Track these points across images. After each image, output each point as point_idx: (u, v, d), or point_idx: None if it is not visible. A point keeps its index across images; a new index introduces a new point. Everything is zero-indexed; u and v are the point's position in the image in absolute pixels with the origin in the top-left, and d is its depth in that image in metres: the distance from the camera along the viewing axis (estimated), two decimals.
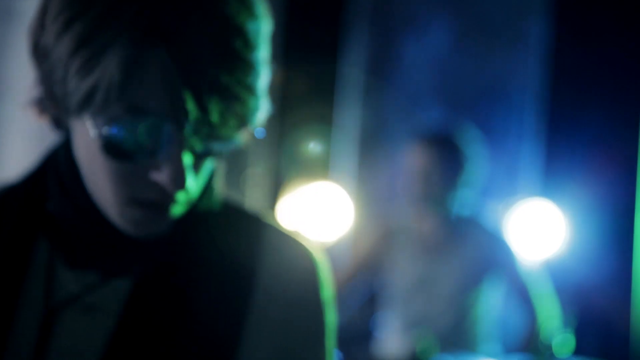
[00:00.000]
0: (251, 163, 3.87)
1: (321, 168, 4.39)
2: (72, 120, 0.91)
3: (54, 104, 0.90)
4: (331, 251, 3.76)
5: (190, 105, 0.83)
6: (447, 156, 2.95)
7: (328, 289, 1.00)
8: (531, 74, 4.07)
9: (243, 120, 0.88)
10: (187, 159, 0.87)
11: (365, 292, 3.21)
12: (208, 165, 0.93)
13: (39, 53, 0.89)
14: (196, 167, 0.90)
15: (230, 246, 0.97)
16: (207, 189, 0.97)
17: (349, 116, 4.22)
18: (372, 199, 4.17)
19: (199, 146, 0.87)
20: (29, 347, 0.92)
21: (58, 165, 0.96)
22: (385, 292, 3.14)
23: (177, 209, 0.91)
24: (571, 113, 4.57)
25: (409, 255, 3.05)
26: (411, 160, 3.00)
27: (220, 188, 1.01)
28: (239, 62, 0.85)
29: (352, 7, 4.22)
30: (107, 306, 0.94)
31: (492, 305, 3.05)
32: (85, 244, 0.94)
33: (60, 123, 0.95)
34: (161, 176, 0.86)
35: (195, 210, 0.96)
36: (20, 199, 0.98)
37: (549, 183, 4.16)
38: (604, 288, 4.47)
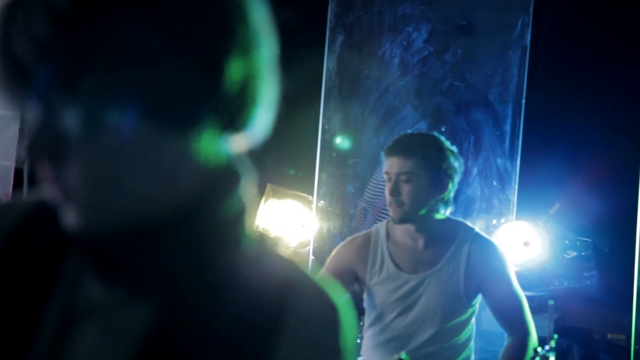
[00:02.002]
0: None
1: (301, 175, 4.33)
2: None
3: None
4: (304, 259, 3.69)
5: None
6: (425, 160, 2.86)
7: (351, 339, 0.99)
8: (514, 80, 4.02)
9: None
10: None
11: None
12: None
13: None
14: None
15: (255, 285, 0.95)
16: (219, 193, 0.95)
17: (328, 120, 4.15)
18: (344, 209, 4.10)
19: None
20: (44, 357, 0.92)
21: None
22: (362, 306, 3.05)
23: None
24: (550, 123, 4.54)
25: (387, 270, 2.95)
26: (388, 164, 2.91)
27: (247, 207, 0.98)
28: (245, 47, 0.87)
29: (331, 8, 4.16)
30: (128, 326, 0.93)
31: (473, 320, 2.96)
32: (112, 260, 0.93)
33: None
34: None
35: (226, 232, 0.95)
36: (52, 213, 0.96)
37: (527, 196, 4.11)
38: (585, 303, 4.44)
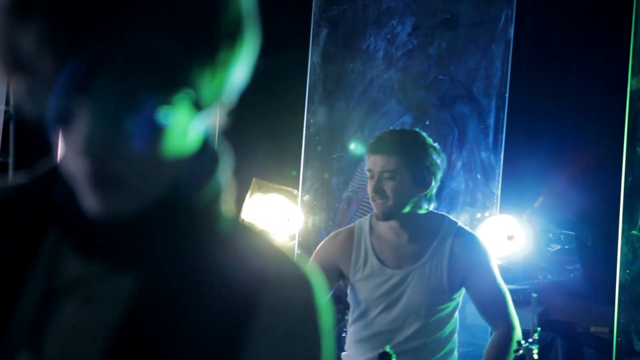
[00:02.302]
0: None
1: (285, 169, 4.33)
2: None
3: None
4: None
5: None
6: (408, 157, 2.86)
7: (327, 320, 1.01)
8: (498, 75, 4.03)
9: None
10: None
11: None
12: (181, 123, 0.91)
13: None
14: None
15: (236, 259, 0.98)
16: (200, 174, 0.98)
17: (312, 114, 4.14)
18: (329, 203, 4.10)
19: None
20: (25, 330, 0.94)
21: (65, 157, 0.97)
22: (347, 301, 3.05)
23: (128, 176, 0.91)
24: (533, 117, 4.56)
25: (371, 266, 2.95)
26: (371, 161, 2.90)
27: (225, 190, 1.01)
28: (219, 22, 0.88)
29: (316, 2, 4.15)
30: (109, 298, 0.94)
31: (457, 315, 2.97)
32: (91, 234, 0.96)
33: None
34: (75, 139, 0.89)
35: (204, 207, 0.97)
36: (34, 189, 1.00)
37: (509, 192, 4.12)
38: (569, 296, 4.46)
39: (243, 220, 1.03)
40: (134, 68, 0.85)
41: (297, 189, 4.16)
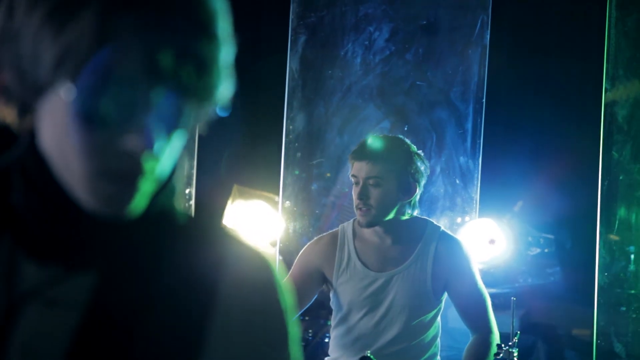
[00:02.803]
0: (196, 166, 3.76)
1: (266, 176, 4.32)
2: (40, 100, 0.91)
3: (21, 85, 0.91)
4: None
5: (164, 68, 0.85)
6: (393, 164, 2.86)
7: (288, 297, 1.02)
8: (475, 79, 4.05)
9: (210, 89, 0.91)
10: (158, 126, 0.88)
11: (305, 304, 3.08)
12: (176, 144, 0.94)
13: (5, 37, 0.90)
14: (167, 135, 0.91)
15: (192, 249, 0.99)
16: (172, 177, 0.99)
17: (291, 121, 4.14)
18: (309, 209, 4.10)
19: (173, 110, 0.89)
20: None
21: (23, 160, 0.97)
22: (330, 306, 3.04)
23: (147, 184, 0.91)
24: (510, 120, 4.58)
25: (354, 270, 2.95)
26: (355, 168, 2.90)
27: (181, 185, 1.05)
28: (205, 32, 0.89)
29: (294, 8, 4.15)
30: (69, 301, 0.94)
31: (439, 319, 2.98)
32: (48, 236, 0.94)
33: (26, 110, 0.94)
34: (130, 142, 0.87)
35: (160, 206, 0.98)
36: None
37: (488, 197, 4.14)
38: (549, 300, 4.48)
39: (198, 212, 1.05)
40: (199, 80, 0.88)
41: (278, 195, 4.16)
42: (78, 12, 0.84)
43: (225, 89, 0.94)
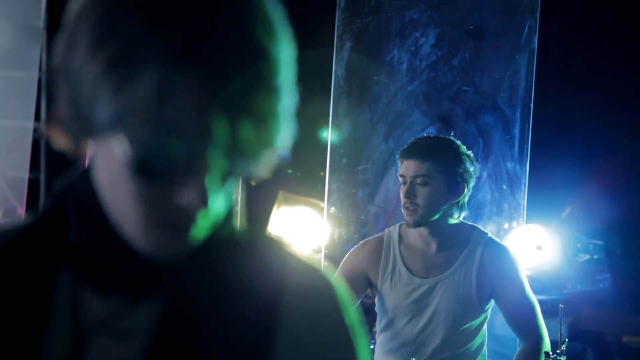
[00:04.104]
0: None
1: (311, 182, 4.34)
2: (95, 143, 0.92)
3: (78, 125, 0.90)
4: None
5: (220, 127, 0.85)
6: (442, 163, 2.85)
7: (353, 313, 1.02)
8: (522, 84, 4.02)
9: (268, 143, 0.89)
10: (213, 181, 0.88)
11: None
12: (231, 189, 0.94)
13: (66, 72, 0.89)
14: (221, 190, 0.90)
15: (253, 272, 0.98)
16: (229, 213, 0.99)
17: (337, 126, 4.16)
18: (355, 215, 4.10)
19: (225, 168, 0.88)
20: None
21: (78, 194, 0.97)
22: (375, 311, 3.04)
23: (201, 231, 0.91)
24: (559, 126, 4.54)
25: (399, 274, 2.94)
26: (404, 167, 2.89)
27: (237, 212, 1.00)
28: (266, 86, 0.87)
29: (340, 14, 4.17)
30: (135, 331, 0.94)
31: (485, 326, 2.95)
32: (109, 270, 0.95)
33: (80, 143, 0.94)
34: (186, 198, 0.87)
35: (218, 234, 0.97)
36: (39, 232, 0.99)
37: (536, 202, 4.10)
38: (598, 307, 4.43)
39: (265, 232, 1.05)
40: (256, 136, 0.87)
41: (323, 201, 4.18)
42: (138, 69, 0.83)
43: (286, 136, 0.92)
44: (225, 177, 0.89)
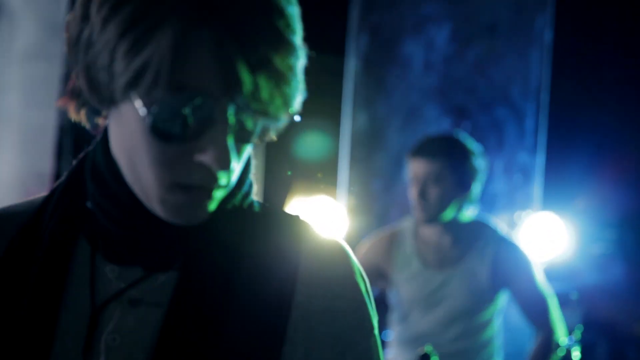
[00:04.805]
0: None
1: (325, 175, 4.37)
2: (112, 110, 0.91)
3: (96, 94, 0.90)
4: None
5: (242, 82, 0.84)
6: (450, 164, 2.88)
7: (367, 284, 1.02)
8: (536, 78, 4.04)
9: (287, 101, 0.88)
10: (232, 140, 0.87)
11: None
12: (247, 150, 0.94)
13: (81, 44, 0.89)
14: (239, 150, 0.90)
15: (269, 239, 0.98)
16: (246, 177, 0.99)
17: (351, 120, 4.19)
18: (371, 205, 4.14)
19: (248, 124, 0.88)
20: (77, 345, 0.94)
21: (95, 163, 0.97)
22: (388, 305, 3.08)
23: (219, 193, 0.92)
24: (574, 118, 4.55)
25: (413, 267, 2.98)
26: (413, 169, 2.93)
27: (254, 180, 1.03)
28: (283, 41, 0.86)
29: (353, 8, 4.20)
30: (153, 299, 0.95)
31: (499, 319, 2.99)
32: (127, 239, 0.95)
33: (96, 116, 0.96)
34: (205, 157, 0.86)
35: (235, 203, 0.98)
36: (56, 203, 1.00)
37: (552, 192, 4.13)
38: (611, 298, 4.44)
39: (272, 205, 1.04)
40: (277, 93, 0.88)
41: (339, 193, 4.21)
42: (154, 29, 0.83)
43: (298, 96, 0.91)
44: (244, 138, 0.89)
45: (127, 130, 0.89)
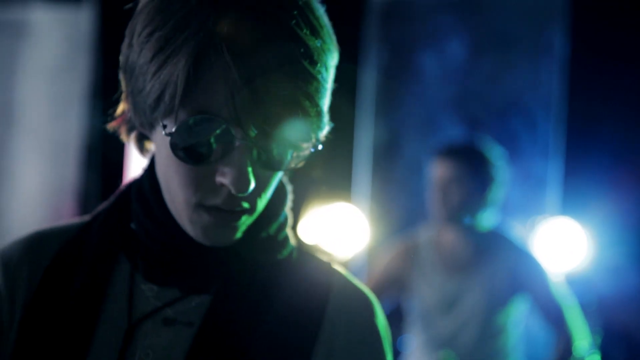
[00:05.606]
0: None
1: (341, 185, 4.40)
2: (154, 134, 0.95)
3: (138, 117, 0.95)
4: (350, 264, 3.76)
5: (248, 108, 0.85)
6: (472, 168, 2.92)
7: (387, 331, 1.05)
8: (550, 88, 4.06)
9: (304, 129, 0.89)
10: (251, 165, 0.89)
11: (385, 310, 3.16)
12: (274, 180, 0.95)
13: (127, 70, 0.94)
14: (261, 177, 0.92)
15: (299, 278, 1.02)
16: (280, 207, 1.01)
17: (368, 130, 4.23)
18: (389, 214, 4.17)
19: (273, 152, 0.89)
20: (111, 358, 0.97)
21: (141, 185, 1.02)
22: (408, 311, 3.11)
23: (245, 218, 0.94)
24: (590, 127, 4.56)
25: (432, 271, 3.01)
26: (435, 172, 2.97)
27: (290, 215, 1.05)
28: (300, 70, 0.86)
29: (369, 19, 4.24)
30: (186, 319, 0.98)
31: (518, 324, 3.01)
32: (167, 260, 0.99)
33: (144, 140, 1.00)
34: (225, 179, 0.88)
35: (270, 230, 1.01)
36: (102, 222, 1.04)
37: (570, 200, 4.14)
38: (630, 304, 4.43)
39: (306, 244, 1.09)
40: (283, 119, 0.89)
41: (356, 202, 4.24)
42: (176, 51, 0.86)
43: (319, 128, 0.92)
44: (268, 165, 0.91)
45: (163, 153, 0.93)
